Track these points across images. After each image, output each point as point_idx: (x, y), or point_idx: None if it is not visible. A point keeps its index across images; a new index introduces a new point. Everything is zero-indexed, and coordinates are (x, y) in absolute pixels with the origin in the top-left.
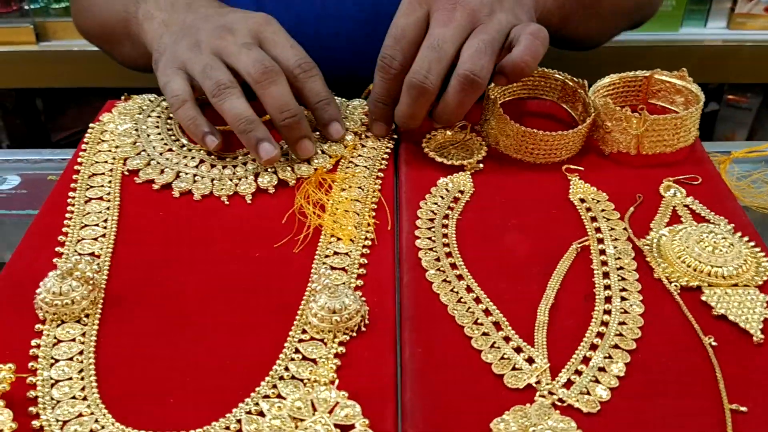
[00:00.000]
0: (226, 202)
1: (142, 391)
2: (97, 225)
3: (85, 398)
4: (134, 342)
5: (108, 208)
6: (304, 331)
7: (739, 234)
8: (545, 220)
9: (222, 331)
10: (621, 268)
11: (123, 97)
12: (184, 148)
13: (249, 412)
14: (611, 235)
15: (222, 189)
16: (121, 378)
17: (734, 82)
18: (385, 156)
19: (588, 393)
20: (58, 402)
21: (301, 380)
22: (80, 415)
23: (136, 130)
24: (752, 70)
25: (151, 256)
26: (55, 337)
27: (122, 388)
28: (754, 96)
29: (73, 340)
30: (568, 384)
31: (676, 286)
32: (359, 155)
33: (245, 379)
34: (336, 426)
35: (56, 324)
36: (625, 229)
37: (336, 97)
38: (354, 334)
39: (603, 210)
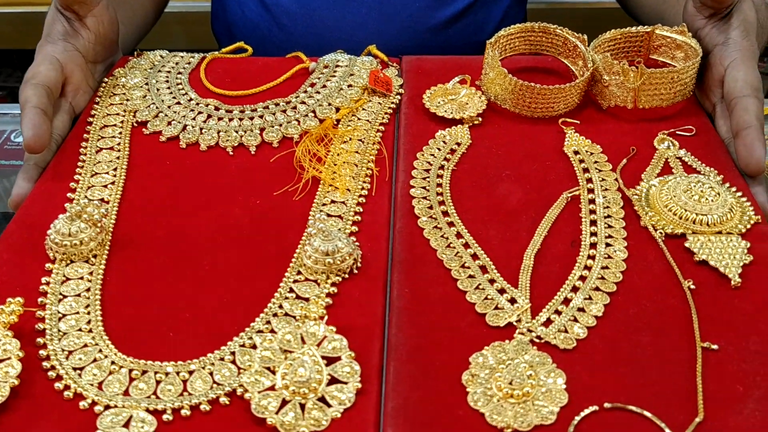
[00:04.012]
0: (231, 153)
1: (144, 326)
2: (107, 173)
3: (90, 331)
4: (139, 281)
5: (118, 158)
6: (299, 273)
7: (727, 184)
8: (538, 171)
9: (222, 272)
10: (608, 216)
11: (135, 53)
12: (192, 102)
13: (243, 345)
14: (602, 186)
15: (227, 140)
16: (125, 314)
17: None
18: (389, 111)
19: (566, 331)
20: (65, 334)
21: (294, 317)
22: (85, 345)
23: (147, 84)
24: None
25: (157, 203)
26: (64, 275)
27: (125, 323)
28: None
29: (81, 278)
30: (548, 323)
31: (661, 233)
32: (363, 109)
33: (242, 317)
34: (323, 358)
35: (65, 263)
36: (616, 179)
37: (345, 55)
38: (346, 275)
39: (596, 162)
